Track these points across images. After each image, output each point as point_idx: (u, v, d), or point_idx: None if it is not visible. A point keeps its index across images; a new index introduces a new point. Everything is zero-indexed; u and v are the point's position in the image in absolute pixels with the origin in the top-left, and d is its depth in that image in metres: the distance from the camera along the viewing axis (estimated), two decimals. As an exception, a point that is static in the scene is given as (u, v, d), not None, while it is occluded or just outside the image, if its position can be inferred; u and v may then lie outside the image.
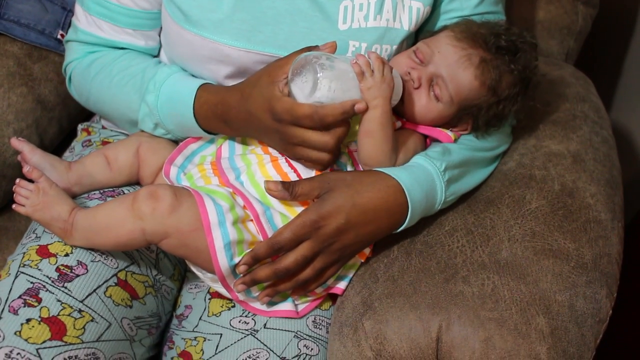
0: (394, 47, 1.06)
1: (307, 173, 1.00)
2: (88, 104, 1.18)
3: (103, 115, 1.20)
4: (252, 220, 0.97)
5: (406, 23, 1.06)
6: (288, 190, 0.95)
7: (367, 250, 1.03)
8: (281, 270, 0.95)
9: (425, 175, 0.99)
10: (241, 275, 0.98)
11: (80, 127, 1.28)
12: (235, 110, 0.98)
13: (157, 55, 1.17)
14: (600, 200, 1.07)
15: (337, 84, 0.93)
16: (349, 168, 1.02)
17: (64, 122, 1.36)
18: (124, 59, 1.11)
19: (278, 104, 0.92)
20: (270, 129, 0.95)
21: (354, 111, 0.93)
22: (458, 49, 1.01)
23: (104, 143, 1.20)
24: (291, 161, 1.00)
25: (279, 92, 0.93)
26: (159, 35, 1.14)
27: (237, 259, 0.96)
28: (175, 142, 1.11)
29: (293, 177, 1.00)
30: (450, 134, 1.05)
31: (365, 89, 0.94)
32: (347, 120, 0.95)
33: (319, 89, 0.91)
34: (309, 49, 0.95)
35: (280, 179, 0.99)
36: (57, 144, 1.38)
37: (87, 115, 1.37)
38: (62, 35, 1.32)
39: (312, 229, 0.93)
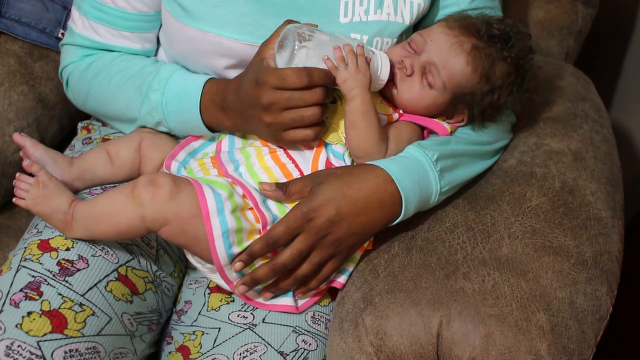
0: (394, 40, 1.08)
1: (304, 162, 1.01)
2: (85, 106, 1.18)
3: (100, 117, 1.21)
4: (250, 208, 0.98)
5: (407, 17, 1.08)
6: (282, 190, 0.96)
7: (366, 244, 1.03)
8: (278, 266, 0.96)
9: (416, 165, 0.99)
10: (239, 273, 0.98)
11: (80, 125, 1.29)
12: (232, 94, 1.00)
13: (155, 55, 1.17)
14: (601, 197, 1.07)
15: (315, 53, 0.94)
16: (347, 157, 1.02)
17: (64, 121, 1.37)
18: (122, 59, 1.12)
19: (263, 70, 0.94)
20: (254, 99, 0.95)
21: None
22: (450, 36, 1.02)
23: (104, 140, 1.20)
24: (289, 152, 1.01)
25: (266, 64, 0.95)
26: (156, 37, 1.15)
27: (235, 248, 0.96)
28: (177, 137, 1.12)
29: (291, 167, 1.00)
30: (446, 125, 1.06)
31: (341, 82, 0.95)
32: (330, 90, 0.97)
33: (296, 56, 0.93)
34: (289, 22, 0.97)
35: (279, 170, 1.00)
36: (57, 142, 1.38)
37: (87, 113, 1.37)
38: (63, 34, 1.32)
39: (304, 221, 0.94)
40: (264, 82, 0.94)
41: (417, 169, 0.99)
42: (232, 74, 1.06)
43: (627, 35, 1.69)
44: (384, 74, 1.00)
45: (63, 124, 1.37)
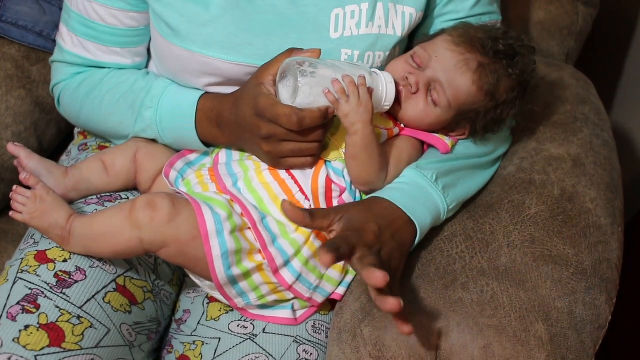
0: (387, 53, 1.06)
1: (304, 179, 1.00)
2: (78, 123, 1.18)
3: (93, 132, 1.20)
4: (249, 228, 0.97)
5: (399, 29, 1.06)
6: (309, 215, 0.90)
7: None
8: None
9: (417, 189, 0.98)
10: (239, 289, 0.98)
11: (77, 130, 1.28)
12: (227, 113, 1.00)
13: (146, 67, 1.16)
14: (600, 205, 1.06)
15: (318, 90, 0.93)
16: (346, 173, 1.01)
17: (62, 125, 1.36)
18: (112, 75, 1.11)
19: (261, 99, 0.94)
20: (254, 128, 0.95)
21: (332, 114, 0.94)
22: (456, 53, 1.00)
23: (100, 147, 1.19)
24: None
25: (266, 90, 0.94)
26: (146, 50, 1.14)
27: (234, 269, 0.96)
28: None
29: (290, 183, 1.00)
30: (447, 140, 1.05)
31: (342, 116, 0.94)
32: (326, 122, 0.96)
33: (298, 95, 0.92)
34: (292, 51, 0.96)
35: (278, 186, 0.99)
36: (55, 146, 1.38)
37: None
38: (60, 37, 1.32)
39: (357, 238, 0.88)
40: (262, 115, 0.93)
41: (420, 193, 0.98)
42: (215, 90, 1.06)
43: (628, 36, 1.68)
44: (389, 100, 0.99)
45: (61, 127, 1.37)
